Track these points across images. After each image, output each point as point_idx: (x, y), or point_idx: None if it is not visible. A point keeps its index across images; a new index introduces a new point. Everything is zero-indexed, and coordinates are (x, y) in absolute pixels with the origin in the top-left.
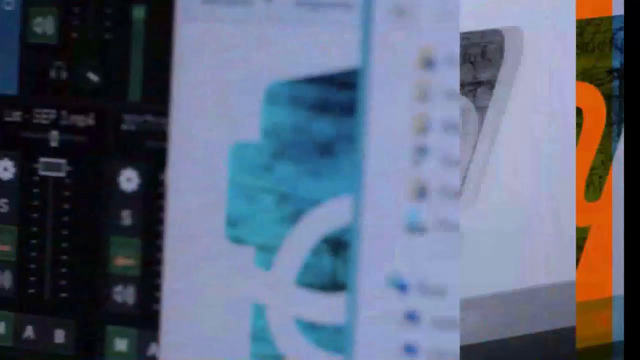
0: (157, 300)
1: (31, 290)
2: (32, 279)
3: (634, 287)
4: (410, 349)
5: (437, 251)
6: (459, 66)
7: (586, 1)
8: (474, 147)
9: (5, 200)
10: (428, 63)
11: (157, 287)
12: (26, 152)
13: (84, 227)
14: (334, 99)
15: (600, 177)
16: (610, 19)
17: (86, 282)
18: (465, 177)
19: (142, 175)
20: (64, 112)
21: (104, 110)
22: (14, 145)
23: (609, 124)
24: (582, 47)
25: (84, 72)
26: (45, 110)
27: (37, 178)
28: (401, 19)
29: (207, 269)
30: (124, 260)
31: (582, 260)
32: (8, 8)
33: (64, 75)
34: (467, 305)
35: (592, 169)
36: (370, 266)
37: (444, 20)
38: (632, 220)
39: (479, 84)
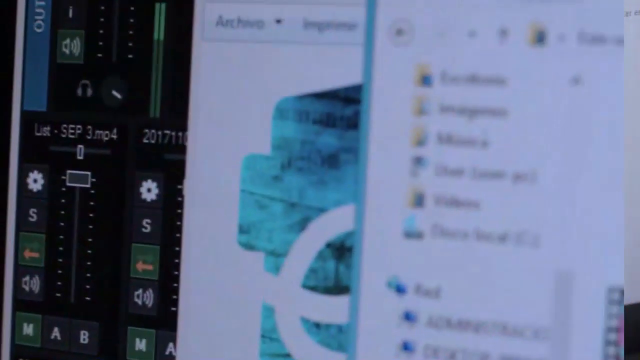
0: (174, 303)
1: (58, 294)
2: (59, 283)
3: None
4: (407, 347)
5: (432, 255)
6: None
7: None
8: None
9: (35, 209)
10: (425, 79)
11: (174, 291)
12: (54, 164)
13: (107, 235)
14: (338, 113)
15: None
16: None
17: (109, 286)
18: None
19: (162, 185)
20: (89, 127)
21: (127, 125)
22: (44, 159)
23: None
24: None
25: (108, 90)
26: (72, 126)
27: (64, 189)
28: (400, 38)
29: (221, 273)
30: (143, 265)
31: None
32: (39, 31)
33: (89, 93)
34: None
35: None
36: (371, 270)
37: (439, 39)
38: None
39: None
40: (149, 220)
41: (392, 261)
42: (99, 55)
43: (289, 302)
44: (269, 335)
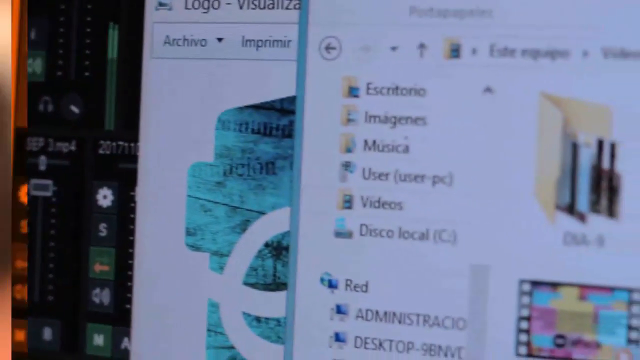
0: (129, 301)
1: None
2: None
3: None
4: (339, 338)
5: (361, 253)
6: (380, 93)
7: None
8: None
9: None
10: (352, 91)
11: (129, 289)
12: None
13: (67, 239)
14: (275, 124)
15: None
16: None
17: (69, 287)
18: None
19: (116, 193)
20: (50, 140)
21: (84, 138)
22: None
23: None
24: None
25: (67, 106)
26: (35, 139)
27: (28, 197)
28: (329, 54)
29: (170, 273)
30: (101, 266)
31: None
32: None
33: (50, 108)
34: None
35: None
36: (306, 267)
37: (365, 53)
38: None
39: None
40: (105, 225)
41: (324, 259)
42: (59, 73)
43: (232, 299)
44: (214, 329)
